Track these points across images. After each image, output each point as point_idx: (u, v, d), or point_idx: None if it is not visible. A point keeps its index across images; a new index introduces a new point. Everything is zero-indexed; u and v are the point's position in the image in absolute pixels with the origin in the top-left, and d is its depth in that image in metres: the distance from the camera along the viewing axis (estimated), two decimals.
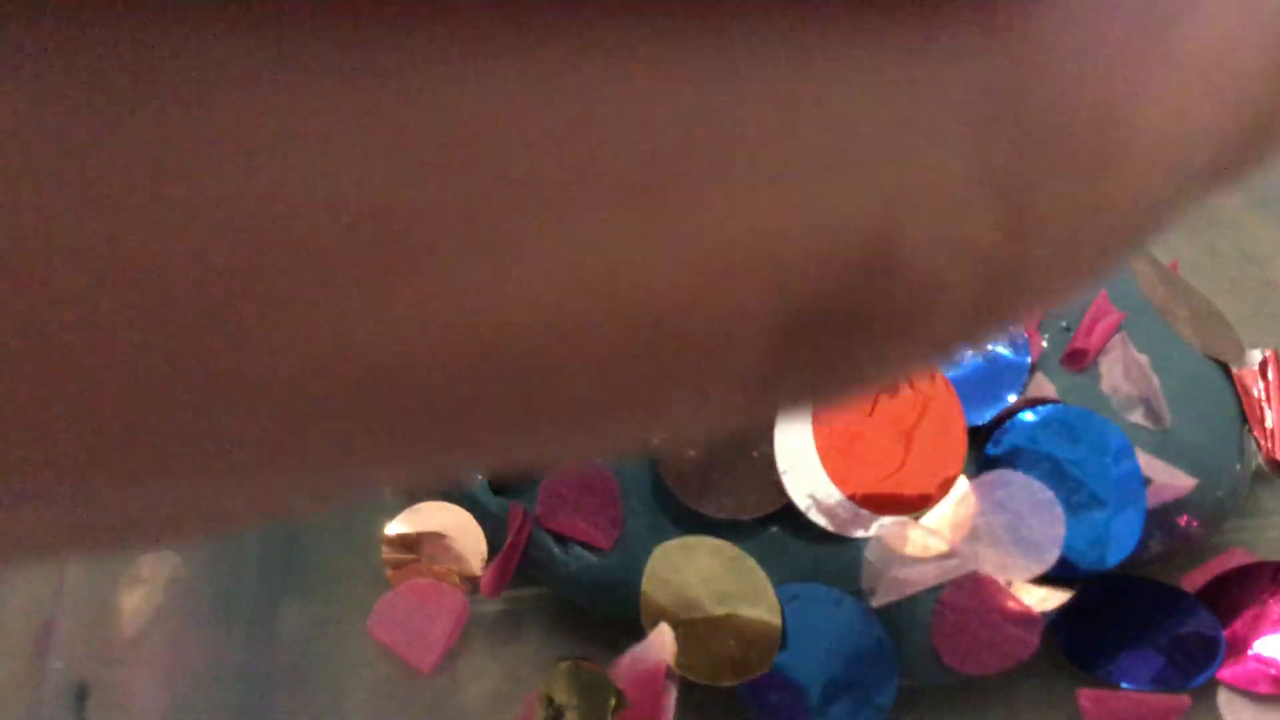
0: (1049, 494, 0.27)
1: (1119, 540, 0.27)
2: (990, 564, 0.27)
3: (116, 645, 0.23)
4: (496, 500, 0.31)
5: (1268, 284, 0.39)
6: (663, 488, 0.28)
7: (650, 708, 0.27)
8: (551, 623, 0.31)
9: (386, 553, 0.31)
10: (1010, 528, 0.27)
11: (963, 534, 0.27)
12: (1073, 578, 0.27)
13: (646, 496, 0.29)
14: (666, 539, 0.28)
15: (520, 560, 0.30)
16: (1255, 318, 0.37)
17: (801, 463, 0.27)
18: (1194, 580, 0.30)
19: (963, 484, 0.27)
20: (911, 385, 0.27)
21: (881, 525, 0.27)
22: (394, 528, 0.31)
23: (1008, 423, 0.28)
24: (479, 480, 0.31)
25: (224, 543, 0.29)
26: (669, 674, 0.27)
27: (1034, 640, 0.27)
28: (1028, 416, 0.28)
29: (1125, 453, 0.28)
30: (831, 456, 0.27)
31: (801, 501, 0.27)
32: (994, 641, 0.27)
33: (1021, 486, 0.27)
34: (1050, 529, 0.27)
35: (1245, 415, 0.30)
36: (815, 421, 0.27)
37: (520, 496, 0.31)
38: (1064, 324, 0.30)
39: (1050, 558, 0.27)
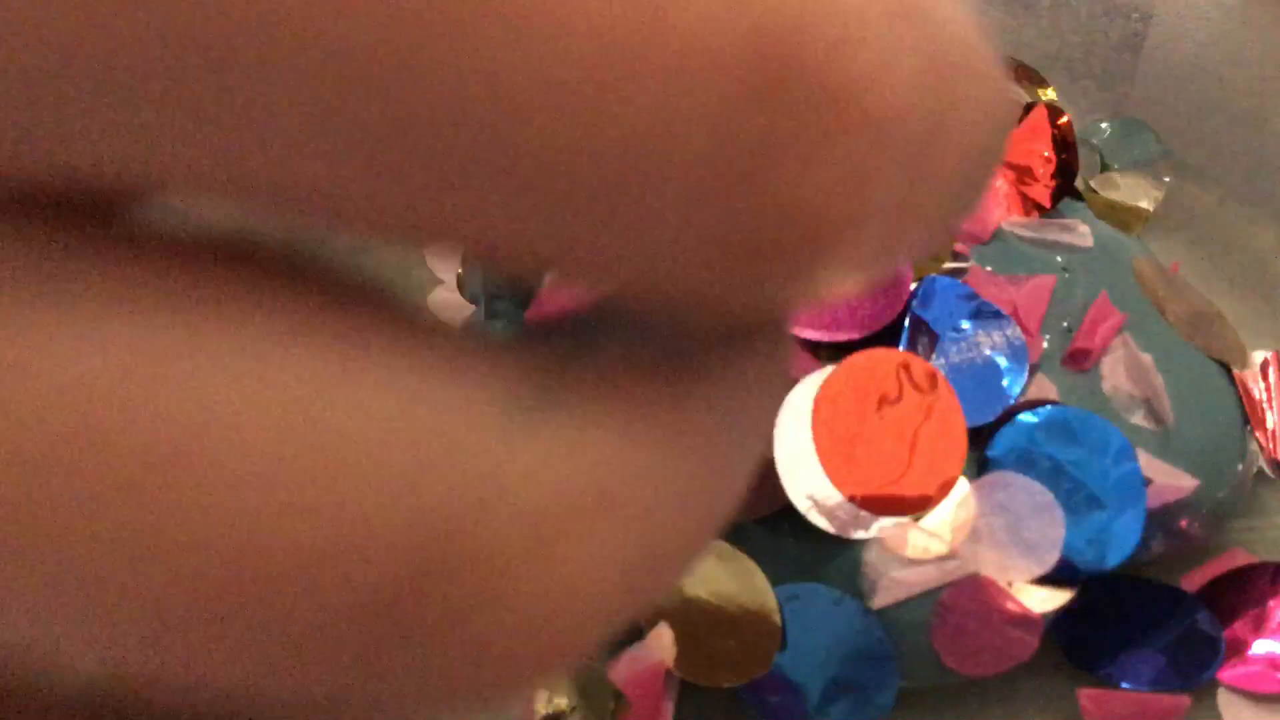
0: (1049, 496, 0.27)
1: (1119, 541, 0.27)
2: (990, 565, 0.26)
3: None
4: None
5: (1268, 284, 0.39)
6: None
7: (650, 707, 0.27)
8: None
9: None
10: (1010, 529, 0.27)
11: (963, 535, 0.27)
12: (1073, 579, 0.27)
13: None
14: None
15: None
16: (1255, 318, 0.37)
17: (801, 463, 0.27)
18: (1194, 581, 0.30)
19: (963, 486, 0.27)
20: (914, 387, 0.27)
21: (881, 527, 0.27)
22: None
23: (1008, 424, 0.28)
24: None
25: None
26: (668, 674, 0.27)
27: (1033, 642, 0.27)
28: (1028, 418, 0.28)
29: (1125, 454, 0.28)
30: (832, 458, 0.27)
31: (801, 503, 0.27)
32: (994, 643, 0.27)
33: (1021, 488, 0.27)
34: (1050, 530, 0.27)
35: (1247, 416, 0.30)
36: (816, 422, 0.27)
37: None
38: (1065, 324, 0.30)
39: (1050, 559, 0.27)
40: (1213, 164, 0.42)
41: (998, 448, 0.28)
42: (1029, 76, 0.40)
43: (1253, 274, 0.39)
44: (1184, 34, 0.44)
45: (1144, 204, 0.39)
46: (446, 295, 0.38)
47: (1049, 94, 0.40)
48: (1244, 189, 0.41)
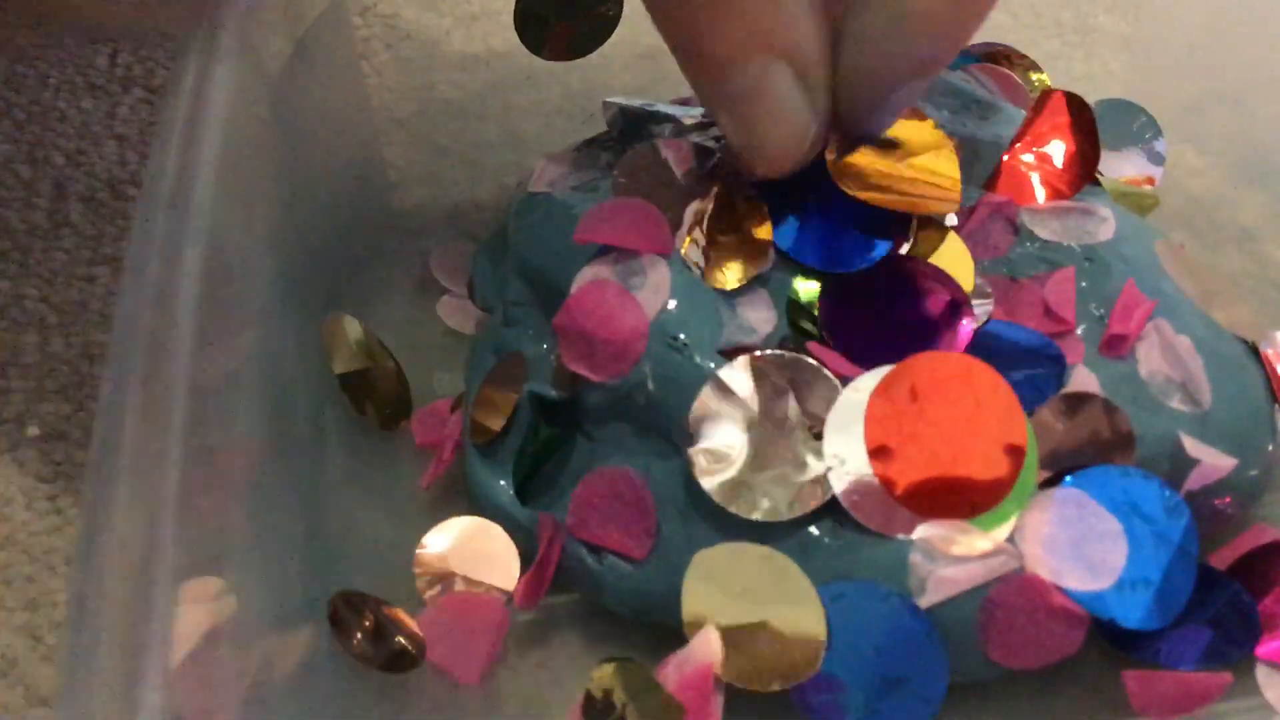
0: (1117, 526, 0.27)
1: (1169, 600, 0.27)
2: (1044, 568, 0.26)
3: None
4: (525, 512, 0.30)
5: (1268, 283, 0.39)
6: (697, 493, 0.28)
7: (700, 710, 0.27)
8: (594, 628, 0.31)
9: (420, 572, 0.30)
10: (1074, 544, 0.27)
11: (1024, 536, 0.27)
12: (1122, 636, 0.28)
13: (681, 502, 0.28)
14: (703, 545, 0.28)
15: (555, 571, 0.30)
16: (1255, 316, 0.38)
17: (850, 460, 0.27)
18: (1223, 558, 0.30)
19: (1035, 492, 0.27)
20: (975, 393, 0.27)
21: (927, 526, 0.27)
22: (426, 547, 0.31)
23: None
24: (507, 492, 0.31)
25: (266, 567, 0.29)
26: (716, 678, 0.27)
27: (1079, 637, 0.27)
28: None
29: (1177, 512, 0.27)
30: (882, 456, 0.27)
31: (846, 499, 0.27)
32: (1040, 638, 0.27)
33: (1092, 512, 0.27)
34: (1112, 559, 0.27)
35: (1274, 393, 0.31)
36: (869, 420, 0.27)
37: (551, 508, 0.30)
38: (1100, 313, 0.30)
39: (1104, 583, 0.27)
40: (1206, 146, 0.42)
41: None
42: (1024, 63, 0.41)
43: (1252, 272, 0.40)
44: (1178, 20, 0.44)
45: (1143, 185, 0.39)
46: (455, 301, 0.37)
47: (1043, 79, 0.40)
48: (1237, 171, 0.42)
